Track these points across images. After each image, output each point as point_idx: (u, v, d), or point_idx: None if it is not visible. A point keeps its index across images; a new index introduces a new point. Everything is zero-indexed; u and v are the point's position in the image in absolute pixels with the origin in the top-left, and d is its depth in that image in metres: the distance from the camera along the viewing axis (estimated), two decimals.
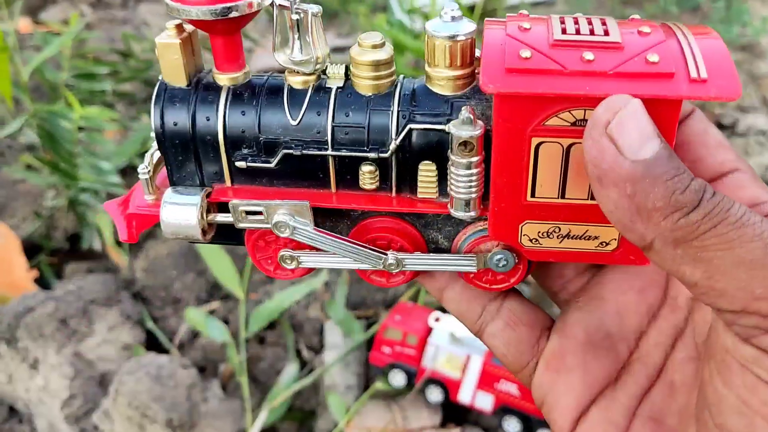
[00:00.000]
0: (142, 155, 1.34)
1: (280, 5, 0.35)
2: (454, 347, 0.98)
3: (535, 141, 0.32)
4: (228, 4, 0.34)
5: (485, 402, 0.96)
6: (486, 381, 0.96)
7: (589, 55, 0.30)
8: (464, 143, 0.33)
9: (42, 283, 1.23)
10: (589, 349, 0.38)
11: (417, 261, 0.38)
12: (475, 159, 0.34)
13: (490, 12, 1.77)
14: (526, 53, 0.31)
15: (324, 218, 0.39)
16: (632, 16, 0.34)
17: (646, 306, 0.38)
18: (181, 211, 0.37)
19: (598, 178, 0.29)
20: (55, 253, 1.32)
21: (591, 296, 0.39)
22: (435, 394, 0.99)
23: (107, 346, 1.09)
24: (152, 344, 1.14)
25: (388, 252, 0.38)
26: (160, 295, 1.18)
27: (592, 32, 0.32)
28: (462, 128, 0.33)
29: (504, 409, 0.96)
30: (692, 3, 1.75)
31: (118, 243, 1.29)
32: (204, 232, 0.37)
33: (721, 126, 1.45)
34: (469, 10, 1.42)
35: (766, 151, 1.30)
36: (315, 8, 0.35)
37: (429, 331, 1.00)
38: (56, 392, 1.01)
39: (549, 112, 0.31)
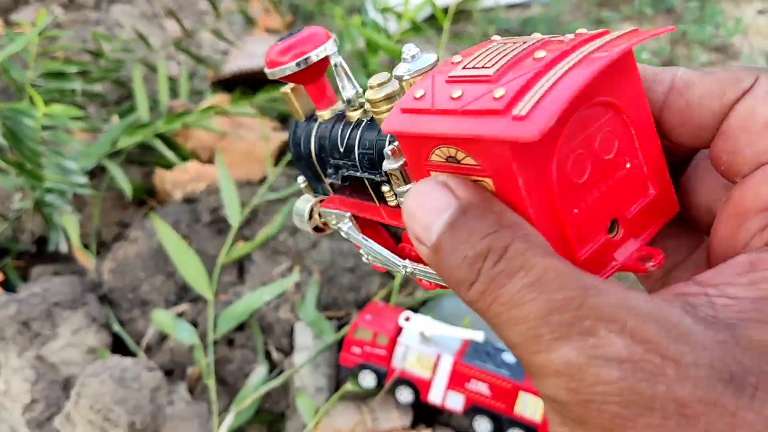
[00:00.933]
0: (111, 156, 1.32)
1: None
2: (424, 347, 0.97)
3: (432, 174, 0.33)
4: (305, 55, 0.41)
5: (456, 402, 0.95)
6: (456, 381, 0.95)
7: (457, 92, 0.30)
8: (389, 175, 0.37)
9: (8, 286, 1.21)
10: None
11: (425, 272, 0.39)
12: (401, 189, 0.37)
13: (465, 13, 1.77)
14: (419, 92, 0.31)
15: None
16: (579, 30, 0.32)
17: None
18: (298, 212, 0.47)
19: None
20: (21, 256, 1.29)
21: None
22: (405, 395, 0.98)
23: (71, 350, 1.06)
24: (119, 347, 1.12)
25: (406, 260, 0.40)
26: (127, 297, 1.15)
27: (499, 61, 0.30)
28: (387, 162, 0.36)
29: (474, 409, 0.94)
30: (667, 4, 1.76)
31: (85, 245, 1.26)
32: (317, 230, 0.47)
33: None
34: (443, 12, 1.41)
35: None
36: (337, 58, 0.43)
37: (399, 330, 0.99)
38: (17, 396, 0.99)
39: (428, 149, 0.31)
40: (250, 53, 1.76)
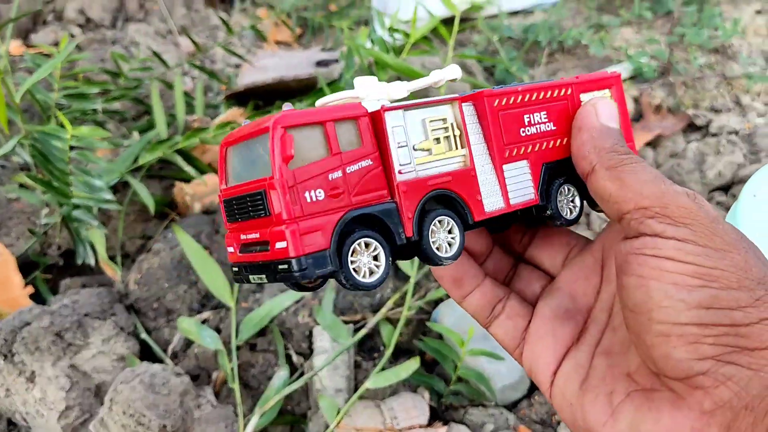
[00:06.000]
0: (133, 171, 1.38)
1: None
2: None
3: None
4: None
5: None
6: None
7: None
8: None
9: (37, 299, 1.27)
10: (556, 322, 0.51)
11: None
12: None
13: (469, 21, 1.82)
14: None
15: None
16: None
17: (592, 287, 0.52)
18: None
19: (578, 128, 0.49)
20: (49, 269, 1.35)
21: (552, 289, 0.54)
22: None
23: (102, 358, 1.12)
24: (146, 355, 1.17)
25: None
26: (153, 307, 1.21)
27: None
28: None
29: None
30: (665, 8, 1.80)
31: (111, 257, 1.32)
32: None
33: (694, 126, 1.49)
34: (443, 23, 1.46)
35: (737, 150, 1.34)
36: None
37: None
38: (53, 404, 1.04)
39: None
40: (262, 67, 1.82)
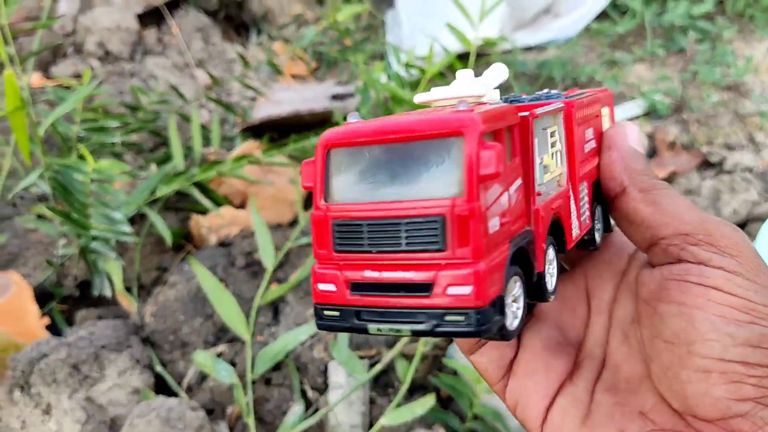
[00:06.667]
0: (150, 203, 1.39)
1: None
2: None
3: None
4: None
5: None
6: None
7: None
8: None
9: (53, 330, 1.27)
10: (548, 355, 0.47)
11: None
12: None
13: (483, 57, 1.84)
14: None
15: None
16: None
17: (580, 319, 0.49)
18: None
19: (608, 146, 0.46)
20: (65, 300, 1.36)
21: (536, 318, 0.49)
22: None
23: (118, 391, 1.12)
24: (161, 388, 1.17)
25: None
26: (168, 339, 1.21)
27: None
28: None
29: None
30: (678, 45, 1.81)
31: (128, 289, 1.33)
32: None
33: (708, 164, 1.49)
34: (458, 58, 1.48)
35: (752, 188, 1.34)
36: None
37: None
38: None
39: None
40: (277, 100, 1.84)
